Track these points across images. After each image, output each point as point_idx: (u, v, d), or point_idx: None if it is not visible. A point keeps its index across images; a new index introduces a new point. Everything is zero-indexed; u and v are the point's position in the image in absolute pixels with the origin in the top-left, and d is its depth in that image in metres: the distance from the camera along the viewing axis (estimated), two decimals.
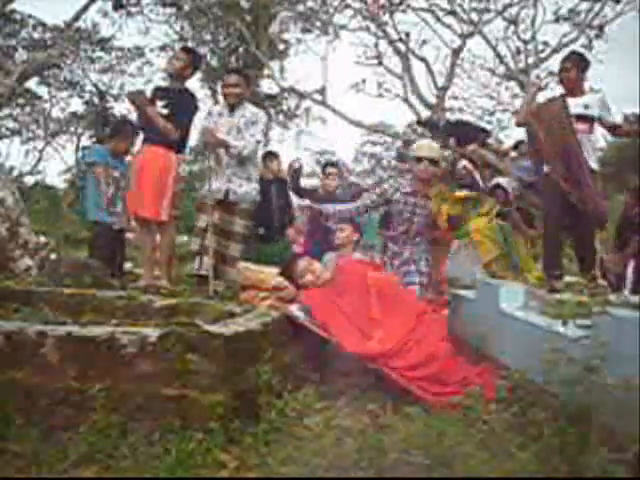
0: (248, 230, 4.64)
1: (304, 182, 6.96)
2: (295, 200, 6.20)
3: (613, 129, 4.59)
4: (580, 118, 4.44)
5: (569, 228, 4.69)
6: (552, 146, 4.44)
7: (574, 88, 4.53)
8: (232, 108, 4.61)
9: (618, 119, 4.59)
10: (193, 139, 4.73)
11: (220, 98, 5.86)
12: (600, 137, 4.72)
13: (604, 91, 4.70)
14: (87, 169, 5.48)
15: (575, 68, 4.54)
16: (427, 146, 4.12)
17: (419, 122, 13.13)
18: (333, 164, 6.60)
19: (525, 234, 4.95)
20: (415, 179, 4.03)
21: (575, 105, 4.44)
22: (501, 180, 5.11)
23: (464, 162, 5.42)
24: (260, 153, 5.51)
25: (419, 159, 3.97)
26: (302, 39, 15.91)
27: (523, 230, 4.91)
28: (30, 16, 15.66)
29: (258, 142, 4.60)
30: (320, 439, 2.10)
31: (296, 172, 6.48)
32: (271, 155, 6.17)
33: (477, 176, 5.44)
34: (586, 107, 4.45)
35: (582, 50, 14.12)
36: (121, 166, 5.42)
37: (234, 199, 4.50)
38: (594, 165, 4.47)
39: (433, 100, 14.75)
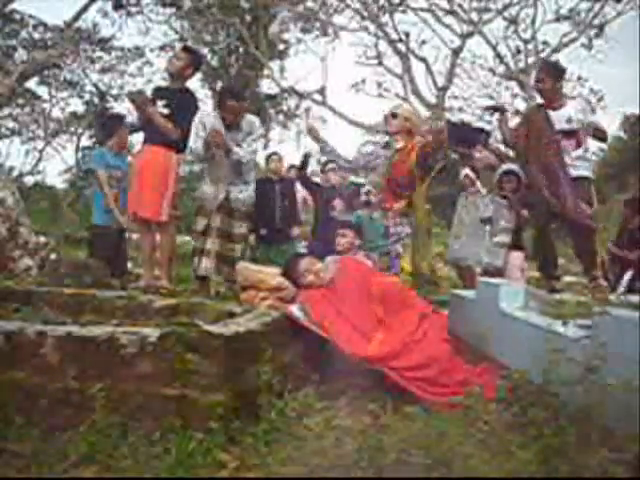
0: (247, 230, 4.71)
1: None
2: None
3: (597, 133, 4.53)
4: (565, 134, 4.40)
5: (567, 229, 4.70)
6: (533, 156, 4.45)
7: (552, 98, 4.48)
8: (229, 126, 4.60)
9: (617, 120, 4.60)
10: (194, 139, 4.70)
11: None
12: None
13: (605, 93, 4.69)
14: (89, 174, 5.54)
15: (549, 78, 4.48)
16: (393, 105, 4.58)
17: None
18: (333, 160, 6.61)
19: (521, 219, 4.97)
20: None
21: (558, 120, 4.39)
22: (512, 166, 5.10)
23: (466, 170, 5.42)
24: (259, 155, 5.54)
25: (392, 115, 4.36)
26: (302, 39, 15.97)
27: (521, 215, 4.93)
28: (30, 16, 15.68)
29: (254, 152, 4.63)
30: (320, 439, 2.10)
31: (306, 158, 6.52)
32: (274, 155, 6.18)
33: (479, 184, 5.44)
34: (569, 121, 4.40)
35: (582, 50, 14.22)
36: (123, 165, 5.44)
37: (235, 204, 4.54)
38: (587, 173, 4.45)
39: (433, 100, 14.75)
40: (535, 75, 4.69)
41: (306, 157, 6.51)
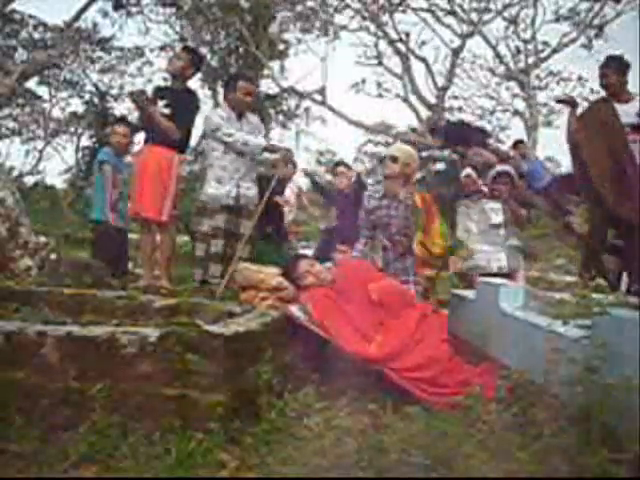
0: (254, 230, 4.66)
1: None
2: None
3: None
4: (634, 128, 4.34)
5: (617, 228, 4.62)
6: (601, 155, 4.34)
7: (618, 93, 4.45)
8: (239, 116, 4.60)
9: None
10: (195, 139, 4.71)
11: (220, 100, 5.86)
12: None
13: None
14: (96, 168, 5.44)
15: (614, 73, 4.46)
16: (395, 147, 4.40)
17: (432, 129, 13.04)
18: (342, 163, 6.64)
19: (519, 219, 4.93)
20: (384, 179, 4.19)
21: (627, 114, 4.36)
22: (506, 167, 5.07)
23: (468, 170, 5.39)
24: None
25: (391, 158, 4.10)
26: (302, 39, 15.94)
27: (519, 214, 4.90)
28: (30, 16, 15.66)
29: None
30: (320, 439, 2.10)
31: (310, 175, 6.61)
32: None
33: (481, 184, 5.41)
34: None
35: (583, 50, 14.21)
36: (125, 167, 5.42)
37: (244, 203, 4.51)
38: None
39: (433, 100, 14.76)
40: (599, 71, 4.63)
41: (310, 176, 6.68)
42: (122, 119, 6.04)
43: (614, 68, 4.50)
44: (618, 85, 4.46)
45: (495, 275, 4.32)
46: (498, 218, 4.82)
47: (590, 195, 4.50)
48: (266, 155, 4.51)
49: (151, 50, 16.67)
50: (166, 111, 4.46)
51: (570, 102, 4.97)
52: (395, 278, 3.86)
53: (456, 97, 16.25)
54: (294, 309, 3.19)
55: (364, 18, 14.72)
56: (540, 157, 12.44)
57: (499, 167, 5.10)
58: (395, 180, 4.04)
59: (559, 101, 5.59)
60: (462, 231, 4.88)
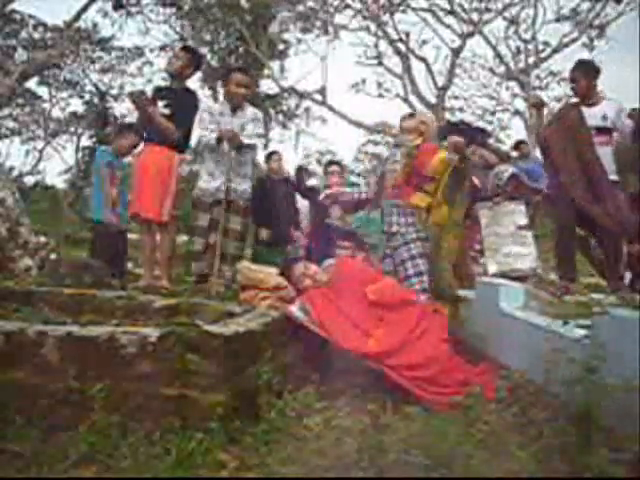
0: (245, 228, 4.64)
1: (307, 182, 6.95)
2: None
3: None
4: (599, 130, 4.39)
5: (592, 233, 4.65)
6: (570, 158, 4.39)
7: (587, 97, 4.50)
8: (234, 109, 4.59)
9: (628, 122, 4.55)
10: (197, 127, 4.65)
11: (220, 97, 5.83)
12: None
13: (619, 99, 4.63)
14: (97, 169, 5.41)
15: (584, 77, 4.51)
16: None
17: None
18: (336, 162, 6.60)
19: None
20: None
21: (593, 116, 4.40)
22: (514, 169, 5.09)
23: None
24: (261, 153, 5.52)
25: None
26: (302, 39, 15.95)
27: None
28: (30, 16, 15.69)
29: (259, 136, 4.60)
30: (320, 439, 2.10)
31: (300, 172, 6.50)
32: (275, 155, 6.16)
33: (477, 182, 5.40)
34: (604, 118, 4.40)
35: (583, 50, 14.20)
36: (124, 166, 5.41)
37: (234, 197, 4.51)
38: (613, 176, 4.42)
39: (433, 100, 14.75)
40: (569, 74, 4.69)
41: (300, 170, 6.54)
42: (131, 126, 5.97)
43: (583, 72, 4.56)
44: (586, 89, 4.51)
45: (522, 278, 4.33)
46: (523, 220, 4.82)
47: (560, 195, 4.55)
48: (225, 146, 4.45)
49: (151, 50, 16.71)
50: (166, 111, 4.46)
51: (537, 105, 5.04)
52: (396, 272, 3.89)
53: (456, 97, 16.27)
54: (294, 309, 3.19)
55: (364, 18, 14.72)
56: (540, 157, 12.44)
57: (510, 168, 5.11)
58: (408, 133, 4.22)
59: (531, 105, 5.68)
60: (489, 235, 4.86)
